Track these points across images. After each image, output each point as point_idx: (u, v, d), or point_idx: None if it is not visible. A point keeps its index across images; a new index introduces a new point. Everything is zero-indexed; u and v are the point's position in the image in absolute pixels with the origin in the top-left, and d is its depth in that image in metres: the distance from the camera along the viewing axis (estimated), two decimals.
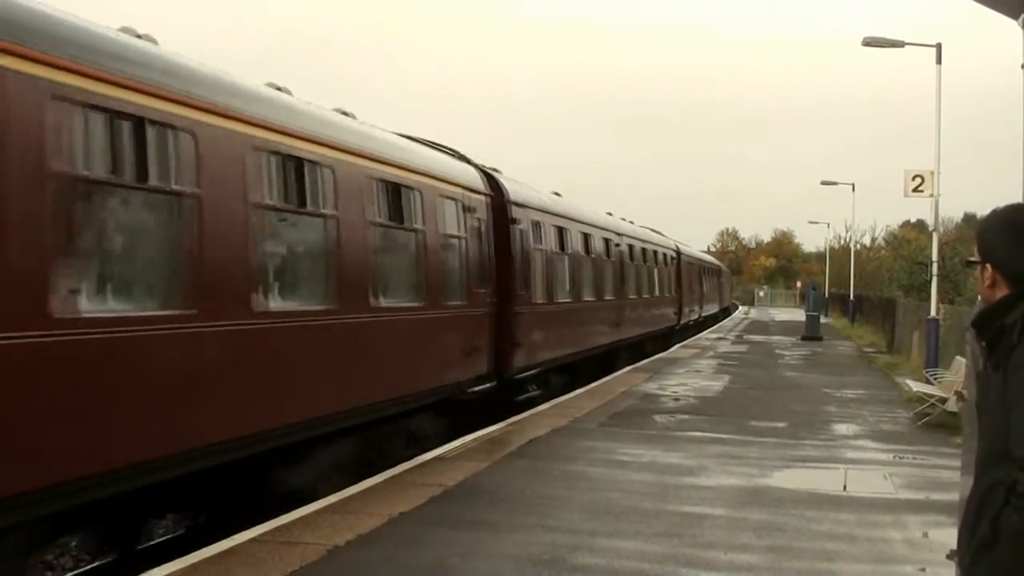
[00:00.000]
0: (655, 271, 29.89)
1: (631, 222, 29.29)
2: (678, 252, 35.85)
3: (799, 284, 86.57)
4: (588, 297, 20.43)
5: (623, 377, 21.37)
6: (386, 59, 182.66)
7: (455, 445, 12.08)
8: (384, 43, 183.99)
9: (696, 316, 42.04)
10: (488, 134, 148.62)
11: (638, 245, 27.15)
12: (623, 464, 11.17)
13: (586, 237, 20.44)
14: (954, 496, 8.12)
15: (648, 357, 26.99)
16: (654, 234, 32.59)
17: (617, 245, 23.89)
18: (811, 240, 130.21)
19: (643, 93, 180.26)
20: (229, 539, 7.63)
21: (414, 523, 8.28)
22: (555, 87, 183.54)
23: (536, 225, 16.57)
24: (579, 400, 16.99)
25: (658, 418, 14.98)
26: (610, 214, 26.33)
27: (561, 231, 18.35)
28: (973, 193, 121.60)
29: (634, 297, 25.91)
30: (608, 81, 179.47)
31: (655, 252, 30.15)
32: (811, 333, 36.88)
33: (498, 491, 9.61)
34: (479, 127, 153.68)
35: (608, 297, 22.50)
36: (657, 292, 30.23)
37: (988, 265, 2.99)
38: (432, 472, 10.38)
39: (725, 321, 55.55)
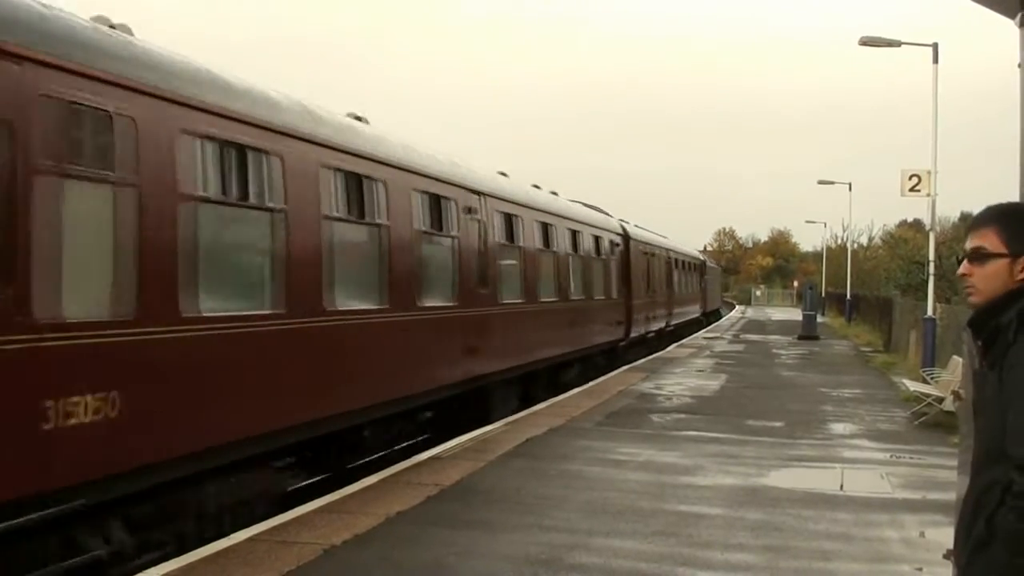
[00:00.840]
0: (575, 261, 20.06)
1: (554, 193, 20.10)
2: (626, 236, 25.59)
3: (796, 283, 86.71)
4: (374, 303, 10.73)
5: (619, 376, 21.36)
6: (384, 67, 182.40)
7: (451, 445, 12.08)
8: (383, 50, 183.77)
9: (662, 325, 32.13)
10: (487, 143, 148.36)
11: (532, 218, 16.96)
12: (620, 463, 11.17)
13: (366, 187, 10.53)
14: (951, 495, 8.12)
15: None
16: (586, 209, 22.86)
17: (471, 212, 13.64)
18: (808, 239, 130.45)
19: (642, 98, 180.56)
20: (226, 539, 7.63)
21: (411, 523, 8.27)
22: (552, 93, 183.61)
23: (86, 119, 6.63)
24: (576, 399, 16.98)
25: (655, 417, 14.98)
26: (503, 174, 16.90)
27: (243, 154, 8.32)
28: (969, 192, 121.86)
29: (517, 302, 15.78)
30: (605, 86, 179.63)
31: (576, 233, 20.15)
32: (808, 332, 36.92)
33: (495, 490, 9.60)
34: (478, 137, 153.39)
35: (446, 303, 12.76)
36: (581, 294, 20.39)
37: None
38: (429, 472, 10.37)
39: (722, 321, 55.46)
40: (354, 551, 7.42)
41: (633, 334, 26.43)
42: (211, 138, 7.85)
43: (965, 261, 3.04)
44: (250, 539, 7.63)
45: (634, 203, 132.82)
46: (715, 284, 60.94)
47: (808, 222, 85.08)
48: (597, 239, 22.30)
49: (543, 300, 17.48)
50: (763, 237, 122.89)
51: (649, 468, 10.92)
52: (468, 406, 13.96)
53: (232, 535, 7.73)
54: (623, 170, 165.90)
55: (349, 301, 10.14)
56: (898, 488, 10.21)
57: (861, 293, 50.24)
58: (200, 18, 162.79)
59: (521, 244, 16.26)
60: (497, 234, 14.98)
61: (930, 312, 20.88)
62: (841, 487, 10.28)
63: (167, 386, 7.20)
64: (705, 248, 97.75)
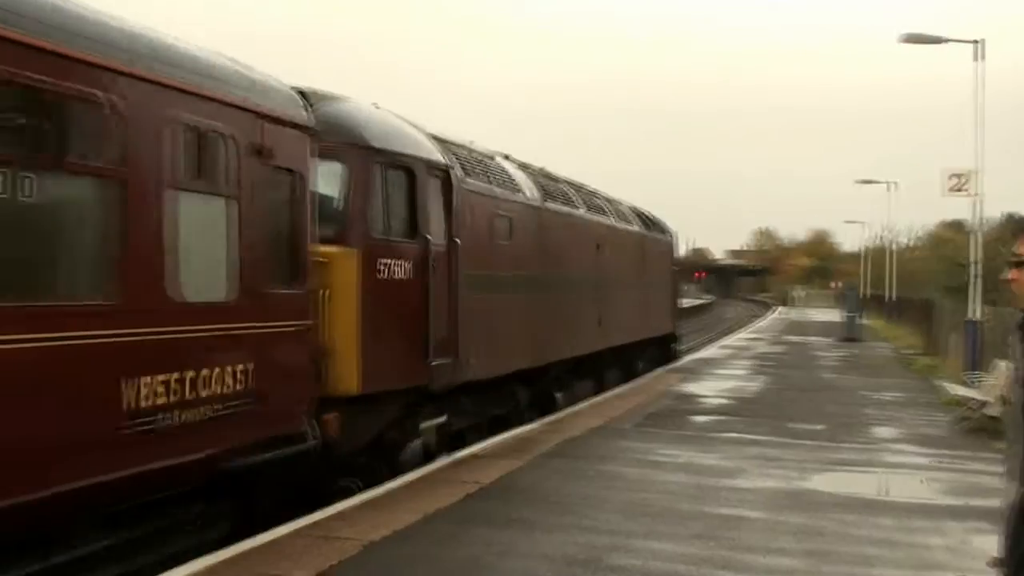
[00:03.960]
0: None
1: None
2: None
3: (835, 284, 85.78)
4: None
5: (659, 377, 21.31)
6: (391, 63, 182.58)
7: (491, 443, 12.11)
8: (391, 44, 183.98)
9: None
10: (508, 147, 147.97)
11: None
12: (659, 465, 11.14)
13: None
14: (995, 502, 8.01)
15: None
16: None
17: None
18: (848, 240, 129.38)
19: (677, 98, 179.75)
20: (270, 532, 7.71)
21: (450, 520, 8.30)
22: (585, 95, 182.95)
23: None
24: (615, 400, 16.96)
25: (694, 419, 14.92)
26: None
27: None
28: (1013, 192, 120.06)
29: None
30: (647, 89, 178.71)
31: None
32: (849, 334, 36.63)
33: (534, 490, 9.62)
34: (498, 140, 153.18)
35: None
36: None
37: None
38: (468, 470, 10.41)
39: (761, 323, 54.77)
40: (393, 547, 7.46)
41: None
42: None
43: (1013, 267, 3.04)
44: (291, 533, 7.71)
45: (671, 204, 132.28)
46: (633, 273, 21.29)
47: (848, 222, 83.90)
48: None
49: None
50: (802, 237, 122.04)
51: (689, 470, 10.89)
52: None
53: (274, 529, 7.81)
54: (661, 170, 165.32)
55: None
56: (941, 494, 10.11)
57: (902, 295, 49.67)
58: (198, 10, 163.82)
59: None
60: None
61: (973, 314, 20.61)
62: (884, 492, 10.19)
63: None
64: (743, 247, 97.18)
